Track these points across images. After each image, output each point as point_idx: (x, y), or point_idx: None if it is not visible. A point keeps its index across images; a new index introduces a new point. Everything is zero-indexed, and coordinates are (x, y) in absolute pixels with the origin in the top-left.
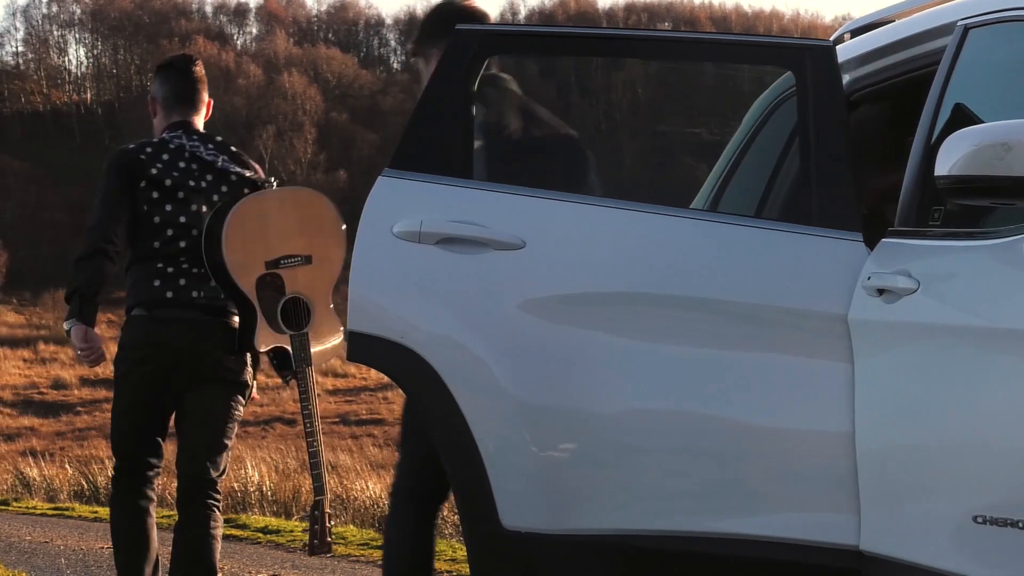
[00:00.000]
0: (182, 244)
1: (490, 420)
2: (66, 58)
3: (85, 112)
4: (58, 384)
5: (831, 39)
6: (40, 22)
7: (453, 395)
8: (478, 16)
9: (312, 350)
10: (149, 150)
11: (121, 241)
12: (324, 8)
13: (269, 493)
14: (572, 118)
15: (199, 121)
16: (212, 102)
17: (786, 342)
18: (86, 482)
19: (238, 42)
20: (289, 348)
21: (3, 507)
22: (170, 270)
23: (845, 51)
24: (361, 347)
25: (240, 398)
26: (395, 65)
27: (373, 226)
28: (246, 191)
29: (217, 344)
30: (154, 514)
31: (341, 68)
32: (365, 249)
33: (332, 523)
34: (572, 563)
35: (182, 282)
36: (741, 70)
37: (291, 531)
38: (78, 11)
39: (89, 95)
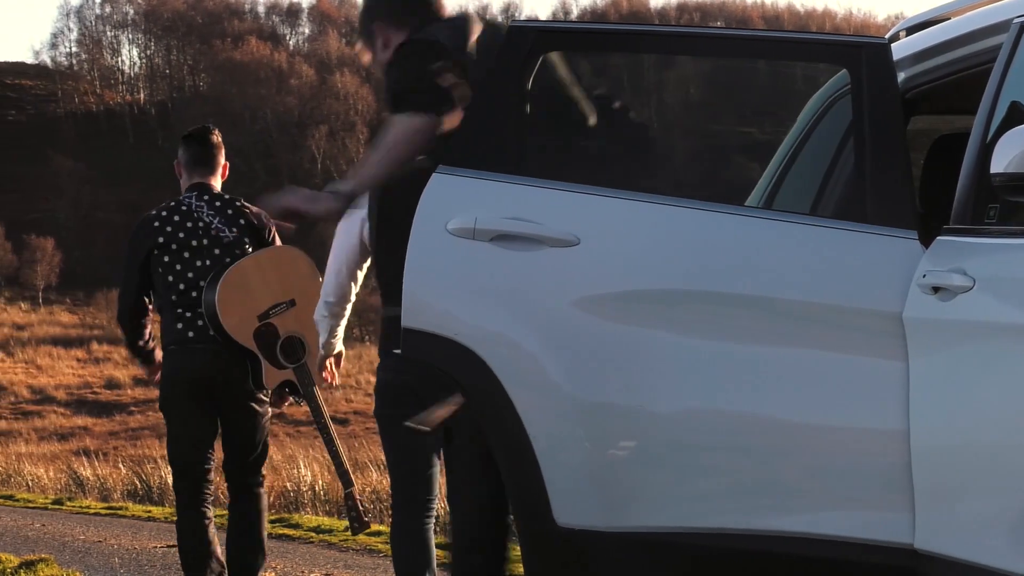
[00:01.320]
0: (193, 294)
1: (544, 417)
2: (119, 58)
3: (138, 112)
4: (111, 384)
5: (886, 36)
6: (93, 23)
7: (507, 392)
8: None
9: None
10: (164, 214)
11: (141, 301)
12: None
13: (322, 493)
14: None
15: (215, 181)
16: (228, 164)
17: (841, 340)
18: (139, 481)
19: (290, 42)
20: (295, 379)
21: (57, 506)
22: (188, 315)
23: (900, 49)
24: (414, 344)
25: (266, 407)
26: None
27: (427, 223)
28: (237, 252)
29: (237, 368)
30: (212, 517)
31: None
32: (419, 246)
33: (365, 507)
34: (626, 561)
35: (200, 323)
36: (795, 68)
37: (344, 530)
38: (131, 11)
39: (142, 95)
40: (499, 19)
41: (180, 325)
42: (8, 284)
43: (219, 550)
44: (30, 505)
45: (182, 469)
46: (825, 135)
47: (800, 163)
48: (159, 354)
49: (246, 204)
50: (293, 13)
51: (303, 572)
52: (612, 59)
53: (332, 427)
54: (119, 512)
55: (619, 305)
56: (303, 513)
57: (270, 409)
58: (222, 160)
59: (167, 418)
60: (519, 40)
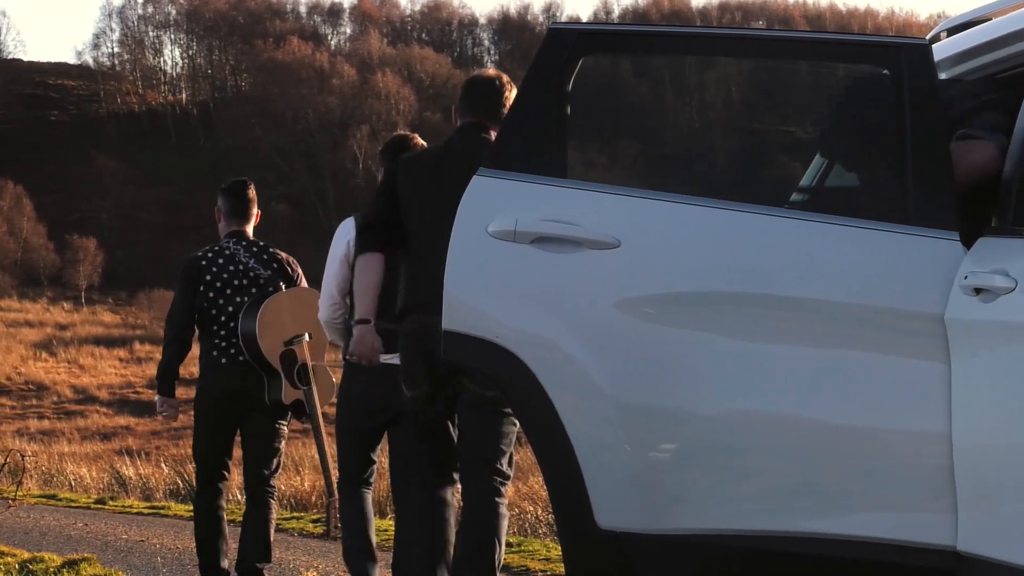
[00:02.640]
0: (231, 325)
1: (585, 419)
2: (161, 59)
3: (180, 112)
4: (154, 383)
5: (927, 37)
6: (136, 23)
7: (548, 394)
8: None
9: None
10: (210, 255)
11: (190, 326)
12: (418, 8)
13: None
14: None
15: (249, 228)
16: (260, 212)
17: (882, 342)
18: (181, 481)
19: (332, 42)
20: (303, 399)
21: (99, 506)
22: (223, 344)
23: (941, 49)
24: (455, 346)
25: (282, 420)
26: (489, 65)
27: (468, 225)
28: (271, 289)
29: (258, 386)
30: (224, 506)
31: (435, 68)
32: (460, 249)
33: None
34: (667, 563)
35: (232, 351)
36: (835, 69)
37: (386, 530)
38: (173, 12)
39: (184, 95)
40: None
41: (215, 352)
42: (51, 284)
43: (228, 535)
44: (73, 505)
45: (205, 467)
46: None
47: (841, 164)
48: (174, 384)
49: (277, 250)
50: (335, 13)
51: (344, 571)
52: (653, 60)
53: (325, 445)
54: (161, 512)
55: (660, 307)
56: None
57: (285, 428)
58: (255, 211)
59: (196, 422)
60: (559, 42)
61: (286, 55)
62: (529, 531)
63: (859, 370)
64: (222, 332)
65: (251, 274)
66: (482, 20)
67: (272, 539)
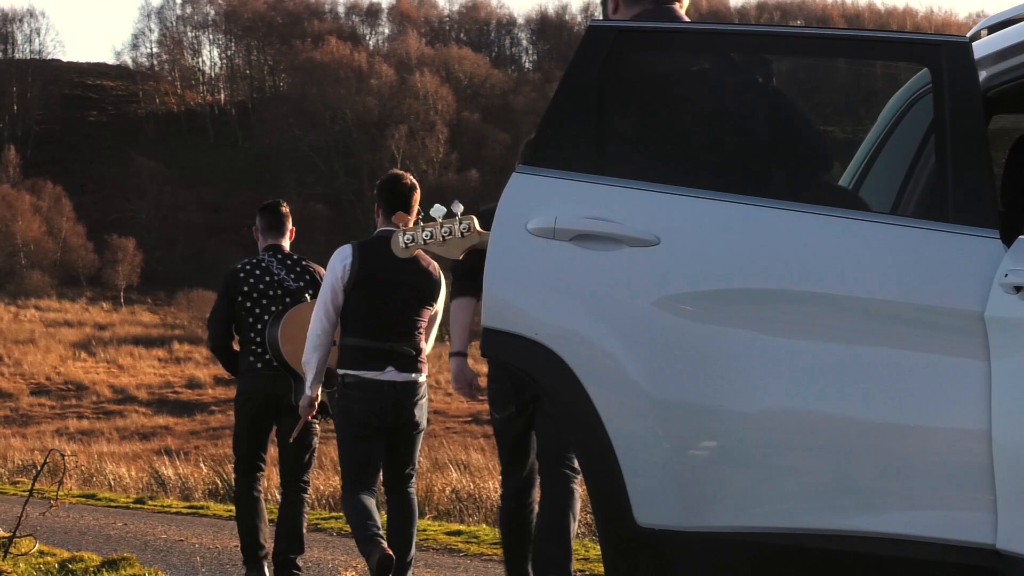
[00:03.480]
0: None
1: (624, 417)
2: (200, 59)
3: (219, 112)
4: (192, 383)
5: (967, 35)
6: (174, 23)
7: (587, 392)
8: None
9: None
10: (248, 268)
11: (228, 334)
12: (456, 8)
13: None
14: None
15: (285, 242)
16: (295, 229)
17: (922, 340)
18: (220, 481)
19: (370, 42)
20: (327, 401)
21: (139, 506)
22: (259, 351)
23: (981, 48)
24: (495, 343)
25: (313, 420)
26: (527, 64)
27: (507, 223)
28: (305, 297)
29: (289, 389)
30: (262, 492)
31: (473, 68)
32: (499, 246)
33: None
34: (706, 560)
35: (267, 357)
36: (875, 67)
37: (424, 530)
38: (212, 12)
39: (223, 95)
40: (578, 19)
41: (252, 358)
42: (90, 284)
43: (266, 519)
44: (112, 504)
45: (242, 458)
46: (906, 134)
47: (881, 162)
48: (217, 390)
49: (310, 263)
50: (373, 13)
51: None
52: (692, 59)
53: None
54: (200, 511)
55: (699, 305)
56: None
57: (317, 427)
58: (290, 226)
59: (236, 421)
60: (599, 40)
61: (324, 55)
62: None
63: (899, 368)
64: (257, 339)
65: (284, 285)
66: (520, 20)
67: (305, 531)
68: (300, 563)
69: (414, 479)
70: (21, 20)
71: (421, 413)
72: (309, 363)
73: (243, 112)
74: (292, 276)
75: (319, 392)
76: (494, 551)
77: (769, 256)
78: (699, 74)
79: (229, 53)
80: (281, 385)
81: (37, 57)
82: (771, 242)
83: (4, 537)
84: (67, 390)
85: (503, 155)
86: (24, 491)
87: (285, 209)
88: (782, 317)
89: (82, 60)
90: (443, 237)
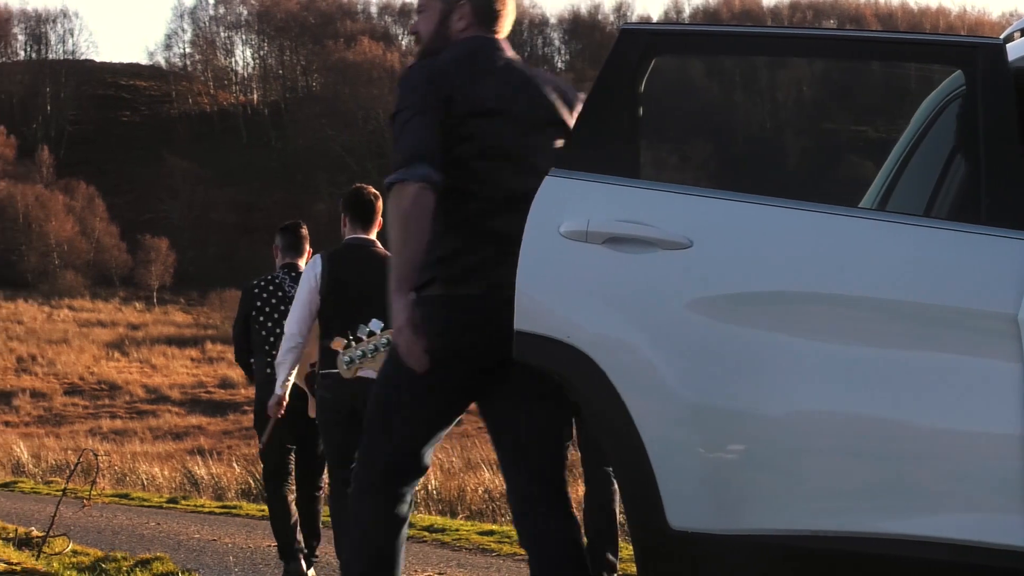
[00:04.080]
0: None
1: (657, 420)
2: (232, 59)
3: (251, 113)
4: (225, 383)
5: (1001, 37)
6: (207, 24)
7: (620, 395)
8: None
9: None
10: (262, 284)
11: (247, 349)
12: None
13: (434, 492)
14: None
15: (301, 261)
16: (312, 251)
17: (955, 342)
18: (253, 481)
19: (403, 42)
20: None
21: (172, 505)
22: (273, 362)
23: (1015, 50)
24: (527, 346)
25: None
26: (559, 64)
27: (540, 226)
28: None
29: (303, 401)
30: (291, 492)
31: None
32: (532, 249)
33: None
34: (739, 564)
35: None
36: (908, 68)
37: (456, 529)
38: (244, 13)
39: (255, 96)
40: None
41: (269, 370)
42: (123, 284)
43: (296, 516)
44: (145, 504)
45: (269, 460)
46: (940, 136)
47: (915, 164)
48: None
49: None
50: (405, 13)
51: (416, 571)
52: (725, 60)
53: None
54: (233, 511)
55: (732, 308)
56: (416, 512)
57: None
58: (307, 247)
59: (259, 431)
60: (631, 43)
61: (357, 55)
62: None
63: (931, 370)
64: (273, 352)
65: (290, 303)
66: (552, 20)
67: (320, 523)
68: (317, 552)
69: None
70: (55, 21)
71: None
72: (283, 363)
73: (276, 112)
74: None
75: (287, 393)
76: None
77: (802, 258)
78: (732, 76)
79: (262, 53)
80: (295, 394)
81: (70, 57)
82: (804, 244)
83: (38, 536)
84: (100, 390)
85: None
86: (58, 491)
87: (304, 231)
88: (815, 320)
89: (115, 60)
90: (371, 354)
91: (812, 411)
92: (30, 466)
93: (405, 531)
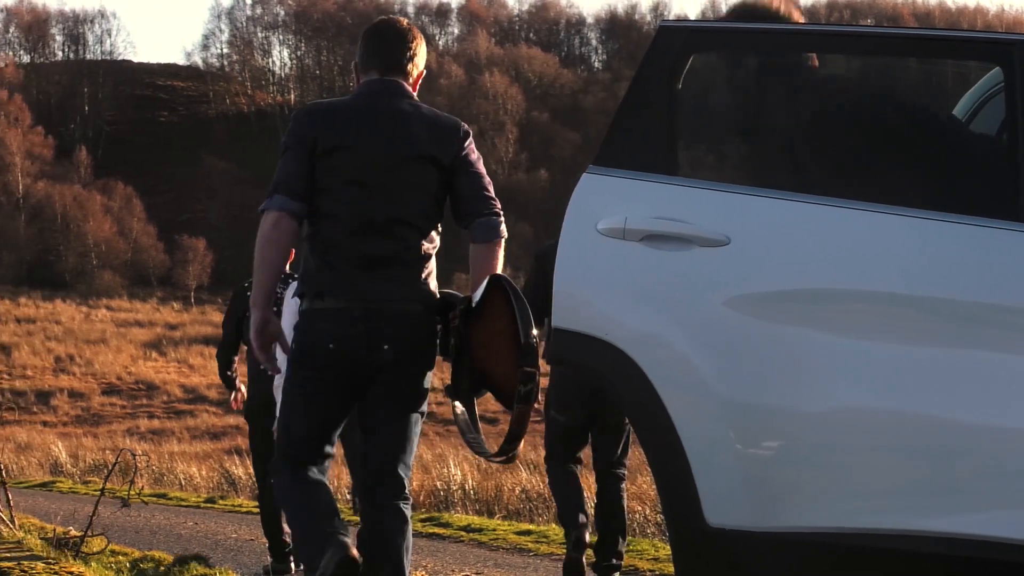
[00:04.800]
0: None
1: (695, 417)
2: (270, 59)
3: (288, 113)
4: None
5: None
6: (244, 24)
7: (657, 392)
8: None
9: None
10: (250, 284)
11: (233, 346)
12: (525, 8)
13: (472, 492)
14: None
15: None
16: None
17: (993, 338)
18: None
19: (440, 42)
20: None
21: (209, 505)
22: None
23: None
24: (565, 343)
25: None
26: (596, 64)
27: (577, 223)
28: None
29: None
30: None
31: (542, 67)
32: (569, 246)
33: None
34: (777, 561)
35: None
36: (946, 65)
37: (493, 529)
38: (282, 13)
39: (293, 96)
40: (648, 18)
41: (260, 367)
42: (160, 284)
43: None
44: (183, 504)
45: (259, 455)
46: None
47: None
48: (238, 383)
49: None
50: (442, 13)
51: (453, 571)
52: (763, 58)
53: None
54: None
55: (770, 305)
56: (453, 512)
57: None
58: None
59: (250, 427)
60: (669, 40)
61: None
62: (638, 530)
63: (970, 367)
64: None
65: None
66: (589, 19)
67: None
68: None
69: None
70: (92, 21)
71: None
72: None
73: None
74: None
75: None
76: (564, 551)
77: (839, 256)
78: (769, 74)
79: (299, 53)
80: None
81: (108, 58)
82: (841, 242)
83: (76, 536)
84: (138, 390)
85: (572, 155)
86: (96, 491)
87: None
88: (853, 317)
89: (153, 61)
90: None
91: (850, 408)
92: (68, 466)
93: (320, 492)
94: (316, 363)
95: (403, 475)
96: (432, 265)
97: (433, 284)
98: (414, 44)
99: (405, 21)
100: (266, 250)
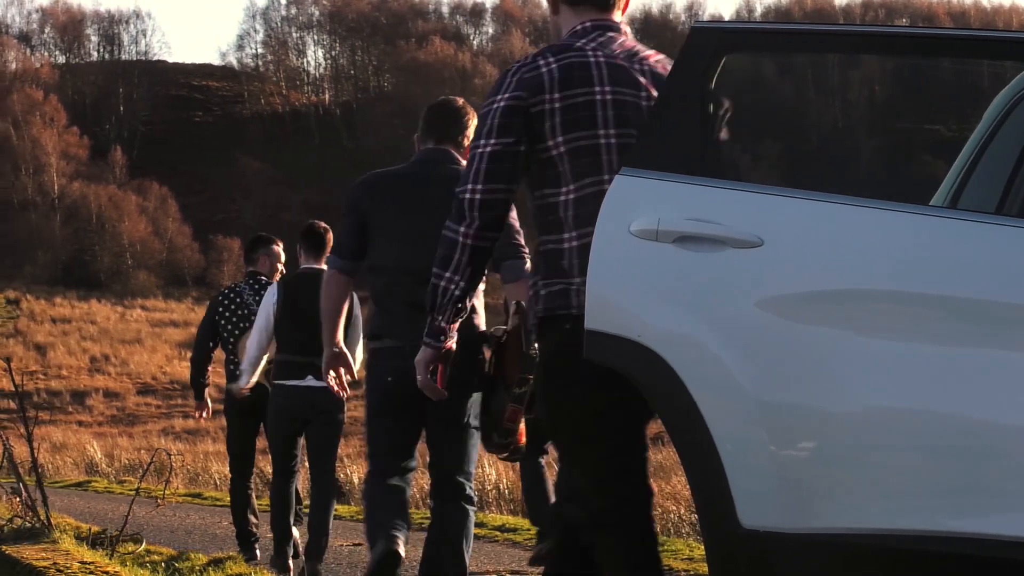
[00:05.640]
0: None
1: (728, 419)
2: (304, 59)
3: (323, 113)
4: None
5: None
6: (279, 24)
7: (690, 393)
8: None
9: None
10: (225, 292)
11: (208, 351)
12: None
13: (506, 491)
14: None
15: (266, 270)
16: (282, 264)
17: None
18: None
19: (474, 42)
20: None
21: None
22: (238, 362)
23: None
24: (598, 345)
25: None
26: None
27: (610, 224)
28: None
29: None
30: (251, 483)
31: None
32: (602, 248)
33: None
34: (812, 563)
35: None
36: (980, 65)
37: (528, 529)
38: (316, 13)
39: (327, 96)
40: (682, 18)
41: (232, 368)
42: (195, 284)
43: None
44: (218, 503)
45: (233, 452)
46: (1012, 133)
47: (986, 161)
48: (207, 395)
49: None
50: (477, 13)
51: (488, 570)
52: (796, 58)
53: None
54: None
55: (803, 306)
56: (488, 512)
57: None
58: (279, 253)
59: (228, 425)
60: (702, 41)
61: (429, 55)
62: (672, 531)
63: (1006, 368)
64: (234, 351)
65: (246, 310)
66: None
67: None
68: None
69: (334, 461)
70: (127, 22)
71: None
72: (244, 373)
73: (348, 112)
74: (255, 300)
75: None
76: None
77: (873, 257)
78: (803, 74)
79: (334, 53)
80: (259, 391)
81: (143, 58)
82: (875, 242)
83: (112, 536)
84: (173, 390)
85: None
86: (131, 490)
87: (279, 248)
88: (887, 318)
89: (188, 61)
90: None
91: (887, 409)
92: (103, 466)
93: (392, 496)
94: (382, 393)
95: (461, 480)
96: (473, 304)
97: (477, 319)
98: (466, 119)
99: (461, 100)
100: (325, 302)
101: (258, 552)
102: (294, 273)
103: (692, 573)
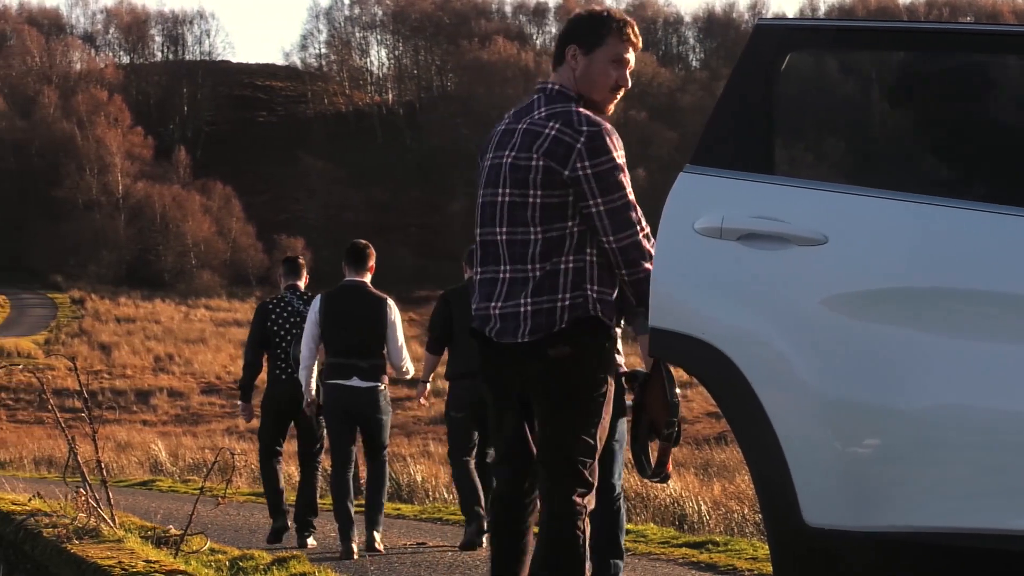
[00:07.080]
0: (290, 351)
1: (792, 416)
2: (368, 59)
3: (386, 113)
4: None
5: None
6: (342, 24)
7: (755, 391)
8: None
9: None
10: (275, 301)
11: (260, 356)
12: (623, 7)
13: None
14: (873, 115)
15: (302, 283)
16: (308, 277)
17: None
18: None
19: (537, 41)
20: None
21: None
22: (283, 364)
23: None
24: (663, 343)
25: (321, 416)
26: (694, 63)
27: (675, 222)
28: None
29: (301, 395)
30: (281, 469)
31: (639, 66)
32: (667, 246)
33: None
34: (876, 561)
35: (289, 371)
36: None
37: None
38: (380, 13)
39: (391, 96)
40: (745, 16)
41: (277, 371)
42: (259, 284)
43: (284, 486)
44: None
45: (265, 443)
46: None
47: None
48: (251, 395)
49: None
50: (540, 12)
51: None
52: (861, 56)
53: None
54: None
55: (867, 304)
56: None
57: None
58: (305, 274)
59: (262, 418)
60: (766, 39)
61: (491, 55)
62: (736, 530)
63: None
64: (285, 358)
65: (298, 317)
66: (687, 18)
67: (318, 499)
68: (315, 524)
69: (386, 451)
70: (191, 22)
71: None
72: (300, 378)
73: (411, 112)
74: (305, 307)
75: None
76: (662, 550)
77: (938, 255)
78: (868, 71)
79: (397, 53)
80: (298, 390)
81: (207, 59)
82: (939, 240)
83: (176, 535)
84: (237, 389)
85: (670, 154)
86: (195, 489)
87: (301, 260)
88: (951, 316)
89: (251, 61)
90: None
91: (948, 406)
92: (168, 465)
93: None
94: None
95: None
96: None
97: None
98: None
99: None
100: None
101: (289, 521)
102: (338, 286)
103: (756, 572)
